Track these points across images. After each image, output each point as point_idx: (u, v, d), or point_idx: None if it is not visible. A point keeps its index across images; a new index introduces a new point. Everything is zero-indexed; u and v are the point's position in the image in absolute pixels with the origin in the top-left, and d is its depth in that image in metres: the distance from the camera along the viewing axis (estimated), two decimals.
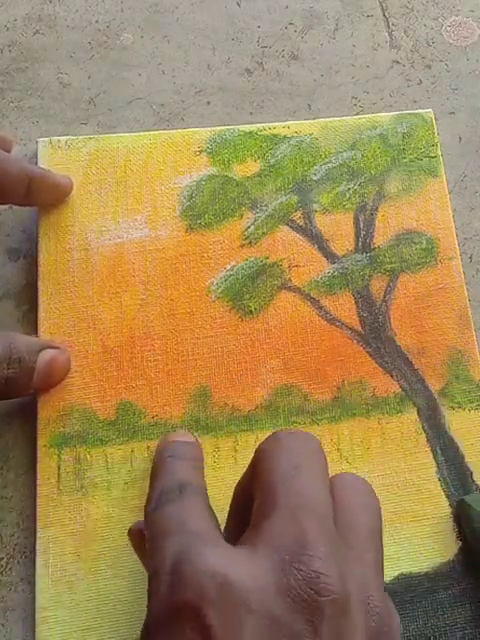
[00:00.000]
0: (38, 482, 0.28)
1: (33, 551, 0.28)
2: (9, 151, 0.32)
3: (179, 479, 0.24)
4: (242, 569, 0.18)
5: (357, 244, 0.32)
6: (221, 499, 0.28)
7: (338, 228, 0.33)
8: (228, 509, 0.24)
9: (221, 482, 0.28)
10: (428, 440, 0.29)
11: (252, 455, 0.22)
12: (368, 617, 0.18)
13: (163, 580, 0.18)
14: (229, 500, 0.25)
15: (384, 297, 0.32)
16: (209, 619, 0.17)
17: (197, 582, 0.18)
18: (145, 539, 0.22)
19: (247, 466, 0.23)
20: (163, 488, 0.23)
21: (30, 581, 0.28)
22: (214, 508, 0.23)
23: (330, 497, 0.21)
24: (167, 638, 0.18)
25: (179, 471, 0.25)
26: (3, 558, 0.28)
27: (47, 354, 0.29)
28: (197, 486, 0.24)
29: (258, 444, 0.23)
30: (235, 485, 0.24)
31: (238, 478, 0.24)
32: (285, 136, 0.34)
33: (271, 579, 0.18)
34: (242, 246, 0.32)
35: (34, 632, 0.27)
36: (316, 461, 0.22)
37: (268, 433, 0.29)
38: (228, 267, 0.32)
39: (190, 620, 0.17)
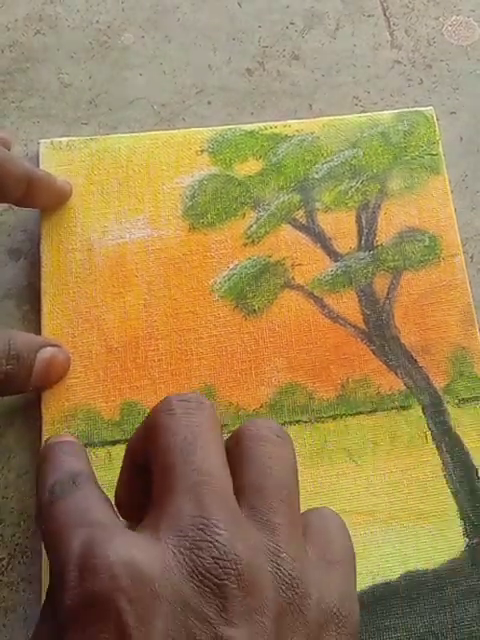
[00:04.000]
0: None
1: (34, 551, 0.28)
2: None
3: (70, 469, 0.23)
4: (150, 555, 0.18)
5: (360, 242, 0.32)
6: None
7: (341, 226, 0.33)
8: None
9: None
10: (433, 437, 0.29)
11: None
12: (279, 588, 0.18)
13: (71, 572, 0.18)
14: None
15: (387, 295, 0.32)
16: (122, 607, 0.17)
17: (108, 570, 0.17)
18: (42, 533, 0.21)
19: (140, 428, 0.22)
20: (56, 480, 0.22)
21: (31, 581, 0.28)
22: None
23: (227, 467, 0.20)
24: (81, 630, 0.17)
25: (69, 462, 0.24)
26: (4, 558, 0.28)
27: (46, 352, 0.29)
28: (89, 474, 0.23)
29: (152, 409, 0.22)
30: (130, 439, 0.23)
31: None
32: (286, 135, 0.34)
33: (177, 565, 0.18)
34: (245, 245, 0.32)
35: None
36: (212, 430, 0.21)
37: None
38: (231, 266, 0.32)
39: (103, 609, 0.17)
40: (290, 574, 0.19)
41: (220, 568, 0.18)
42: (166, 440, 0.20)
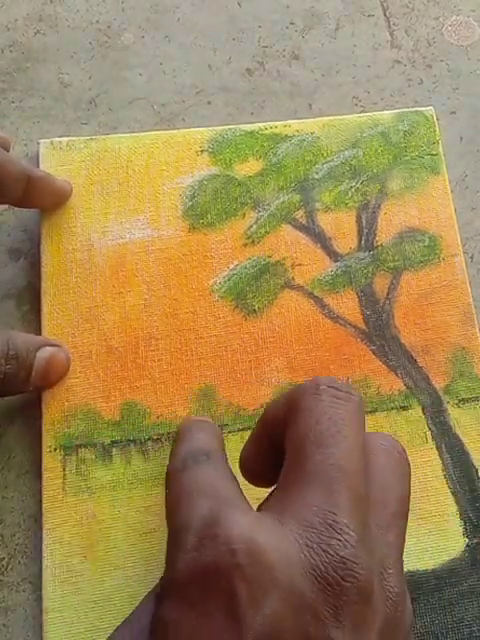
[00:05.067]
0: (43, 483, 0.28)
1: (34, 551, 0.28)
2: (7, 151, 0.32)
3: (205, 445, 0.24)
4: (272, 539, 0.18)
5: (360, 242, 0.32)
6: None
7: (341, 226, 0.33)
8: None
9: None
10: (433, 437, 0.29)
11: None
12: (385, 603, 0.18)
13: (191, 537, 0.18)
14: None
15: (387, 295, 0.32)
16: (236, 584, 0.17)
17: (228, 543, 0.17)
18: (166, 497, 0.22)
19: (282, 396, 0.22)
20: (190, 451, 0.23)
21: (31, 581, 0.28)
22: None
23: (364, 467, 0.20)
24: (193, 597, 0.17)
25: (204, 438, 0.25)
26: (4, 558, 0.28)
27: (46, 351, 0.29)
28: (222, 453, 0.24)
29: (299, 386, 0.21)
30: (267, 406, 0.23)
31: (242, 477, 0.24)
32: (286, 135, 0.34)
33: (300, 556, 0.17)
34: (245, 245, 0.32)
35: (35, 633, 0.27)
36: (356, 425, 0.20)
37: None
38: (231, 266, 0.32)
39: (216, 581, 0.17)
40: (395, 591, 0.18)
41: (346, 569, 0.17)
42: (306, 426, 0.20)
